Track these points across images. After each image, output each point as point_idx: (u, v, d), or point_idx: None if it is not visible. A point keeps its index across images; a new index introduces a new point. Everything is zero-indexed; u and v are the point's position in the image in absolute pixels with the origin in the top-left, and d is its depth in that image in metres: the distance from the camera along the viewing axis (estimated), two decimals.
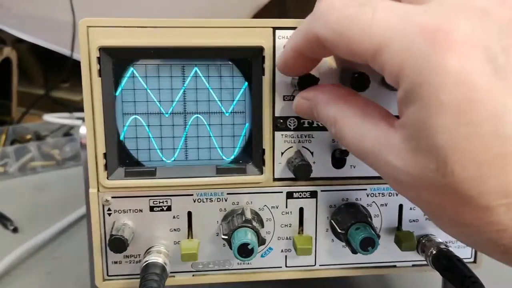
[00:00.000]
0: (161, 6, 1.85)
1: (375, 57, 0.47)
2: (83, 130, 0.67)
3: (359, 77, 0.63)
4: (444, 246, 0.69)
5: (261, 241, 0.65)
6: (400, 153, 0.48)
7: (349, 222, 0.67)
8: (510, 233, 0.43)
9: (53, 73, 1.90)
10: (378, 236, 0.65)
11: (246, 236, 0.64)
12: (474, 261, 0.75)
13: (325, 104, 0.59)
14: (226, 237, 0.66)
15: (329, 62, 0.66)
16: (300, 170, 0.66)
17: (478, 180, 0.42)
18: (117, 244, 0.64)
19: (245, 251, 0.63)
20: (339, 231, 0.67)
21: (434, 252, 0.69)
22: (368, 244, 0.64)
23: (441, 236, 0.72)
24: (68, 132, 1.64)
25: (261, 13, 2.02)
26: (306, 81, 0.63)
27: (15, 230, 1.10)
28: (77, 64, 1.69)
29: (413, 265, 0.75)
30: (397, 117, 0.50)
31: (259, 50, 0.65)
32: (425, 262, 0.72)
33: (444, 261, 0.67)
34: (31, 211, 1.22)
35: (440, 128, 0.43)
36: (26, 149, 1.49)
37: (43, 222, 1.11)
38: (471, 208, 0.44)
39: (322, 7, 0.52)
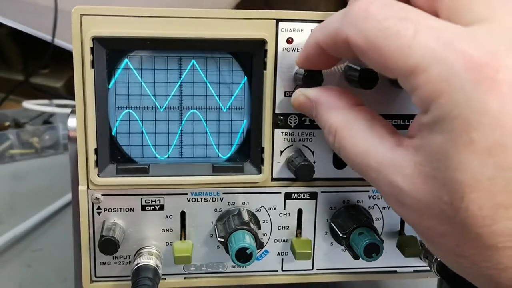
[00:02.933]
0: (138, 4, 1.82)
1: (408, 77, 0.45)
2: (72, 122, 0.64)
3: (367, 73, 0.60)
4: None
5: (259, 245, 0.62)
6: (410, 176, 0.46)
7: (351, 226, 0.64)
8: (509, 273, 0.43)
9: (32, 59, 1.86)
10: (382, 241, 0.62)
11: (244, 239, 0.61)
12: None
13: (327, 108, 0.56)
14: (222, 239, 0.62)
15: None
16: (303, 171, 0.63)
17: (491, 220, 0.42)
18: (108, 245, 0.61)
19: (243, 256, 0.60)
20: (341, 235, 0.65)
21: (439, 259, 0.66)
22: (373, 250, 0.61)
23: None
24: (47, 120, 1.61)
25: (244, 4, 1.99)
26: (311, 78, 0.60)
27: None
28: (57, 50, 1.66)
29: (415, 271, 0.73)
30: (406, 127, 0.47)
31: (261, 43, 0.62)
32: (427, 268, 0.69)
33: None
34: (9, 201, 1.19)
35: (463, 165, 0.42)
36: (4, 136, 1.46)
37: (22, 213, 1.08)
38: (476, 244, 0.43)
39: (357, 12, 0.48)
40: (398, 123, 0.66)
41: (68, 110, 0.64)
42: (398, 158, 0.47)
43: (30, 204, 1.15)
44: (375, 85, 0.60)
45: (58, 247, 0.98)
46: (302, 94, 0.60)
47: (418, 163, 0.45)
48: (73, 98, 0.62)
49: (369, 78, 0.60)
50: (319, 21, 0.62)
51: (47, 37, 1.65)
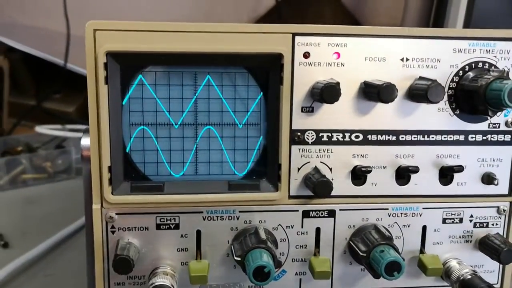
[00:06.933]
0: (158, 18, 1.83)
1: None
2: (85, 141, 0.63)
3: (388, 87, 0.59)
4: (473, 272, 0.65)
5: (277, 264, 0.61)
6: None
7: (371, 244, 0.63)
8: None
9: (45, 84, 1.87)
10: (403, 260, 0.60)
11: (262, 258, 0.59)
12: (501, 287, 0.71)
13: None
14: (239, 258, 0.61)
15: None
16: (321, 187, 0.61)
17: None
18: (122, 264, 0.60)
19: (261, 275, 0.58)
20: (361, 254, 0.63)
21: (462, 277, 0.65)
22: (394, 269, 0.60)
23: (466, 260, 0.68)
24: (60, 144, 1.60)
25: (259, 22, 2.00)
26: (329, 91, 0.59)
27: (5, 245, 1.05)
28: (70, 74, 1.66)
29: None
30: None
31: (277, 57, 0.61)
32: (448, 287, 0.68)
33: None
34: (22, 226, 1.18)
35: None
36: (17, 161, 1.44)
37: (35, 237, 1.06)
38: None
39: None
40: (418, 139, 0.65)
41: (81, 135, 0.63)
42: None
43: (43, 228, 1.13)
44: (395, 97, 0.60)
45: (71, 272, 0.97)
46: None
47: None
48: (85, 123, 0.61)
49: (389, 91, 0.59)
50: (337, 35, 0.62)
51: (60, 61, 1.65)
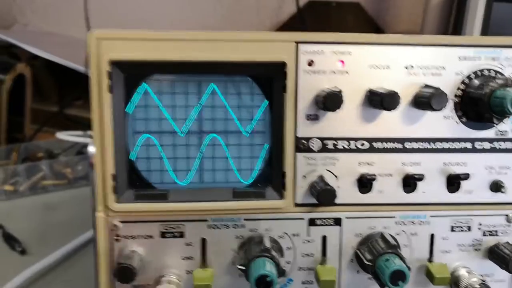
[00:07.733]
0: (179, 27, 1.84)
1: None
2: (92, 149, 0.63)
3: (390, 96, 0.58)
4: (482, 281, 0.64)
5: (281, 272, 0.60)
6: None
7: (377, 253, 0.62)
8: None
9: (67, 90, 1.88)
10: (409, 269, 0.60)
11: (265, 267, 0.59)
12: None
13: None
14: (242, 267, 0.61)
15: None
16: (324, 195, 0.61)
17: None
18: (124, 273, 0.60)
19: (263, 284, 0.58)
20: (366, 262, 0.63)
21: (470, 286, 0.64)
22: (399, 278, 0.59)
23: (475, 269, 0.67)
24: (81, 151, 1.60)
25: (281, 30, 2.00)
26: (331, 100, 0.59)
27: (22, 252, 1.05)
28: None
29: None
30: None
31: (281, 65, 0.61)
32: None
33: None
34: (41, 232, 1.18)
35: None
36: (37, 167, 1.45)
37: (53, 243, 1.07)
38: None
39: None
40: (424, 146, 0.64)
41: None
42: None
43: (61, 235, 1.14)
44: (397, 105, 0.59)
45: (88, 278, 0.97)
46: None
47: None
48: None
49: (392, 100, 0.59)
50: (341, 43, 0.62)
51: (81, 68, 1.66)
